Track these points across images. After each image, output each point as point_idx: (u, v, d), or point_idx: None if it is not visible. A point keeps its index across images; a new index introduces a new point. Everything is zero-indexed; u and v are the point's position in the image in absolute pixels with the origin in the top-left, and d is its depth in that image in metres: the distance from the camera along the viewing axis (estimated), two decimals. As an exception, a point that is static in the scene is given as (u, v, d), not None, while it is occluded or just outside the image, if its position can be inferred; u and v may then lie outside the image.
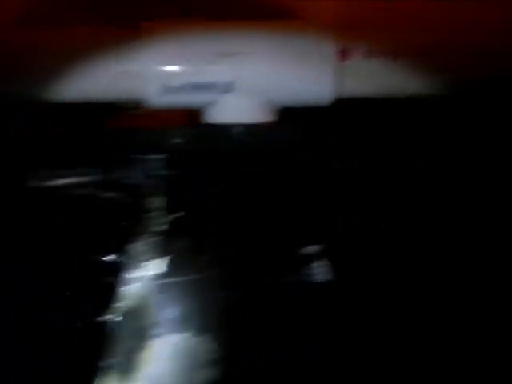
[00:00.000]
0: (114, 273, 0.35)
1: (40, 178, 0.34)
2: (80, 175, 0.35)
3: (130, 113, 0.63)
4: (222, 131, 0.41)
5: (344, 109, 0.45)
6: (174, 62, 0.39)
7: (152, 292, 0.31)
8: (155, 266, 0.33)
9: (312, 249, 0.35)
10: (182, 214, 0.32)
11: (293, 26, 0.40)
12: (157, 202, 0.34)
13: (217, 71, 0.39)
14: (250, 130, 0.41)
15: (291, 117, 0.45)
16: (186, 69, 0.39)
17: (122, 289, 0.34)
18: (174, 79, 0.39)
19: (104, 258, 0.33)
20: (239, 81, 0.40)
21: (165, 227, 0.33)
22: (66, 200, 0.35)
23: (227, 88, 0.40)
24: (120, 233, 0.35)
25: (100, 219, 0.35)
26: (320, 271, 0.33)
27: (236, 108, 0.41)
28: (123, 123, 0.62)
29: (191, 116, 0.63)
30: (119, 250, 0.35)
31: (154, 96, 0.40)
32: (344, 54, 0.40)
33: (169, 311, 0.30)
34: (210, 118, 0.43)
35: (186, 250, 0.32)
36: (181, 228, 0.32)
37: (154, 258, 0.31)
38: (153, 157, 0.35)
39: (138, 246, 0.34)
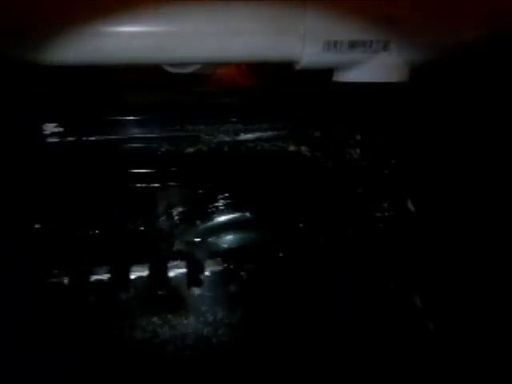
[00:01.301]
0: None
1: (226, 132, 0.36)
2: (266, 130, 0.36)
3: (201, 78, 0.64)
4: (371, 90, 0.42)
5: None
6: (335, 19, 0.40)
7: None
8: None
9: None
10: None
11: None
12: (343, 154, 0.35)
13: (373, 30, 0.40)
14: (394, 89, 0.43)
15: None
16: (345, 26, 0.40)
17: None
18: (334, 36, 0.40)
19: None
20: (393, 40, 0.41)
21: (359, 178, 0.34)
22: (254, 154, 0.36)
23: (382, 47, 0.41)
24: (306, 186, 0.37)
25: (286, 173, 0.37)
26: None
27: (384, 67, 0.42)
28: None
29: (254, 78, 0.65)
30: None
31: (312, 53, 0.41)
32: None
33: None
34: (350, 77, 0.44)
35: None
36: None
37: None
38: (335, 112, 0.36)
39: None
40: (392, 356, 0.31)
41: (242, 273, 0.35)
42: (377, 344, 0.32)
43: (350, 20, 0.40)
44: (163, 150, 0.35)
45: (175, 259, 0.34)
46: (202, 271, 0.33)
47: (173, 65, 0.56)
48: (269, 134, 0.36)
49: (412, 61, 0.44)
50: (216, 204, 0.38)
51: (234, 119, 0.36)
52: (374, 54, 0.42)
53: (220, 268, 0.33)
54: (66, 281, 0.29)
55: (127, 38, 0.40)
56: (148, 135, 0.35)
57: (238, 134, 0.36)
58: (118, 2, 0.40)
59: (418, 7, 0.41)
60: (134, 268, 0.31)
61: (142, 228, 0.36)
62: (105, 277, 0.31)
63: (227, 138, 0.36)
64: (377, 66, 0.42)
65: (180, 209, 0.37)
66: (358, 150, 0.35)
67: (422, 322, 0.32)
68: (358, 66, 0.43)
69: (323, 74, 0.48)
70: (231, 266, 0.35)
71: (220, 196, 0.37)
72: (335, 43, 0.41)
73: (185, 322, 0.34)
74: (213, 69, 0.63)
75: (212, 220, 0.37)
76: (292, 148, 0.36)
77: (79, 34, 0.39)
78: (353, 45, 0.41)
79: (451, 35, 0.42)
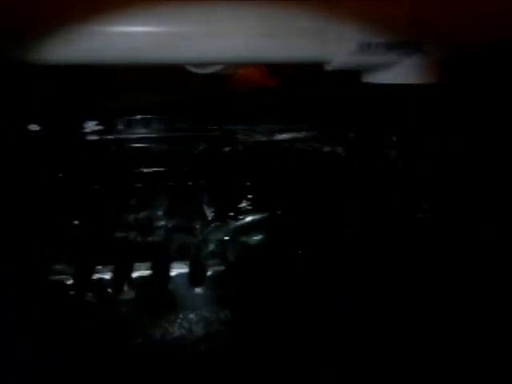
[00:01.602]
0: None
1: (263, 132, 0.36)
2: (301, 130, 0.36)
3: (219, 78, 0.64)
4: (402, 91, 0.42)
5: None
6: (370, 21, 0.40)
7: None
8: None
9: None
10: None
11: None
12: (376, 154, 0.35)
13: (407, 31, 0.40)
14: (426, 90, 0.43)
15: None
16: (380, 27, 0.40)
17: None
18: (368, 38, 0.40)
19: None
20: (427, 41, 0.41)
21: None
22: (287, 154, 0.36)
23: (416, 48, 0.41)
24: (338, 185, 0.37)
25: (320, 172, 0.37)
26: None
27: (417, 68, 0.42)
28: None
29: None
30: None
31: (346, 54, 0.41)
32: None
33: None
34: (382, 79, 0.44)
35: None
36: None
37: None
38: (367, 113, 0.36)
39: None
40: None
41: (272, 273, 0.35)
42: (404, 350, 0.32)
43: (384, 21, 0.40)
44: (200, 149, 0.35)
45: (207, 259, 0.34)
46: (237, 270, 0.33)
47: (196, 65, 0.56)
48: (304, 134, 0.36)
49: (444, 61, 0.44)
50: (248, 204, 0.38)
51: (270, 119, 0.36)
52: (408, 55, 0.42)
53: (251, 267, 0.33)
54: (108, 276, 0.30)
55: (131, 37, 0.39)
56: (185, 134, 0.35)
57: (273, 135, 0.36)
58: (120, 1, 0.40)
59: (450, 7, 0.41)
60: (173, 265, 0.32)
61: (174, 226, 0.36)
62: (146, 273, 0.31)
63: (263, 138, 0.36)
64: (410, 67, 0.42)
65: (214, 207, 0.37)
66: (394, 152, 0.35)
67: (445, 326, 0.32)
68: (391, 67, 0.43)
69: (343, 76, 0.48)
70: (263, 266, 0.35)
71: (253, 196, 0.38)
72: (369, 44, 0.41)
73: (216, 319, 0.34)
74: (234, 69, 0.63)
75: (244, 219, 0.37)
76: (327, 149, 0.36)
77: (80, 33, 0.38)
78: (386, 46, 0.41)
79: (484, 34, 0.42)
